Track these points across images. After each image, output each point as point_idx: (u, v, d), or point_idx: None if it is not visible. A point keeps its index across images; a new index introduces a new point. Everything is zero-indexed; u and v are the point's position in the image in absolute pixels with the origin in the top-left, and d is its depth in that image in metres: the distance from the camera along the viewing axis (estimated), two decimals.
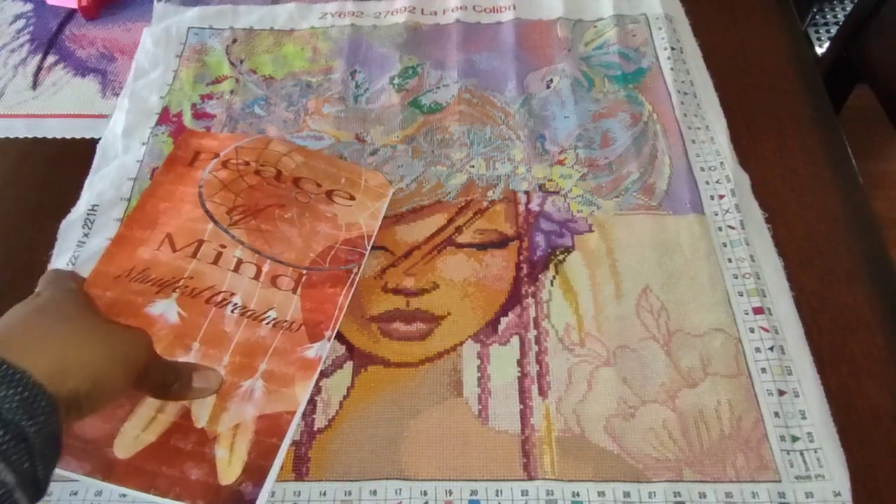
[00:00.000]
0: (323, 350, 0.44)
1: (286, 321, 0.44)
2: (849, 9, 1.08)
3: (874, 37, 0.78)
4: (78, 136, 0.58)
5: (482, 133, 0.56)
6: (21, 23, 0.68)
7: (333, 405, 0.43)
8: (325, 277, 0.46)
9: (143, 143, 0.56)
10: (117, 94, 0.61)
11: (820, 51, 1.01)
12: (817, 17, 1.08)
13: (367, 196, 0.50)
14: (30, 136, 0.58)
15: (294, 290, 0.45)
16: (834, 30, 1.06)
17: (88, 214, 0.52)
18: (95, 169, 0.55)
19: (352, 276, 0.47)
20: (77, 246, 0.50)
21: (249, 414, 0.41)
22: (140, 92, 0.60)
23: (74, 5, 0.68)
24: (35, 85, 0.63)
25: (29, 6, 0.70)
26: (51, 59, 0.65)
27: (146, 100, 0.60)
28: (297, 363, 0.43)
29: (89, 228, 0.51)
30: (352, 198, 0.50)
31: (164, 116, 0.58)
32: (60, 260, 0.49)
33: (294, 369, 0.42)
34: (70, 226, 0.51)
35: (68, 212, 0.52)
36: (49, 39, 0.66)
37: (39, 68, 0.64)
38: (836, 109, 0.55)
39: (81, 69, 0.64)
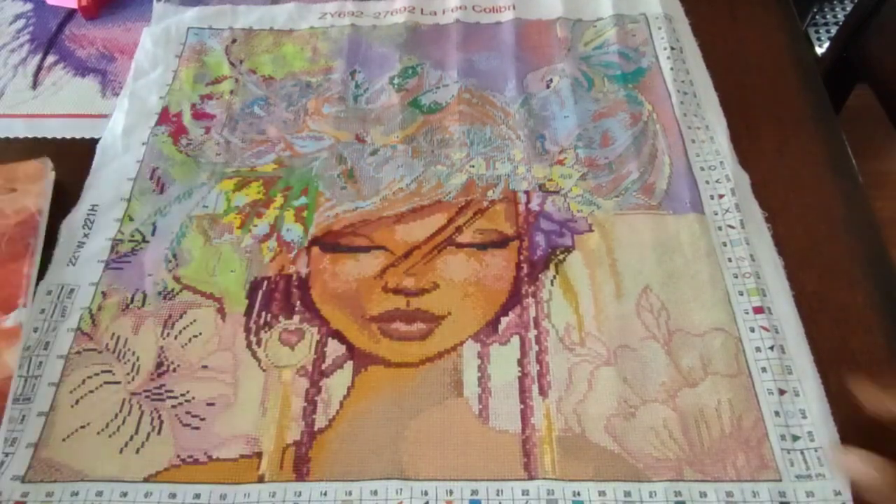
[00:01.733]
0: (21, 317, 0.45)
1: None
2: (849, 9, 1.08)
3: (874, 37, 0.78)
4: (78, 136, 0.58)
5: (482, 133, 0.56)
6: (21, 23, 0.68)
7: (334, 405, 0.43)
8: (2, 260, 0.47)
9: (143, 143, 0.56)
10: (117, 94, 0.61)
11: (820, 51, 1.00)
12: (817, 17, 1.08)
13: (28, 183, 0.52)
14: (30, 136, 0.58)
15: None
16: (834, 30, 1.06)
17: (88, 214, 0.52)
18: (95, 169, 0.55)
19: (31, 247, 0.48)
20: (77, 247, 0.50)
21: None
22: (139, 92, 0.60)
23: (74, 5, 0.67)
24: (35, 85, 0.62)
25: (29, 6, 0.70)
26: (51, 59, 0.65)
27: (146, 100, 0.59)
28: None
29: (89, 229, 0.51)
30: (13, 190, 0.51)
31: (164, 116, 0.58)
32: (61, 260, 0.49)
33: None
34: (71, 226, 0.51)
35: (68, 212, 0.52)
36: (49, 39, 0.66)
37: (39, 68, 0.64)
38: (836, 109, 0.55)
39: (81, 69, 0.64)
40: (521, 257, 0.49)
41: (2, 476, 0.40)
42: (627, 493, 0.39)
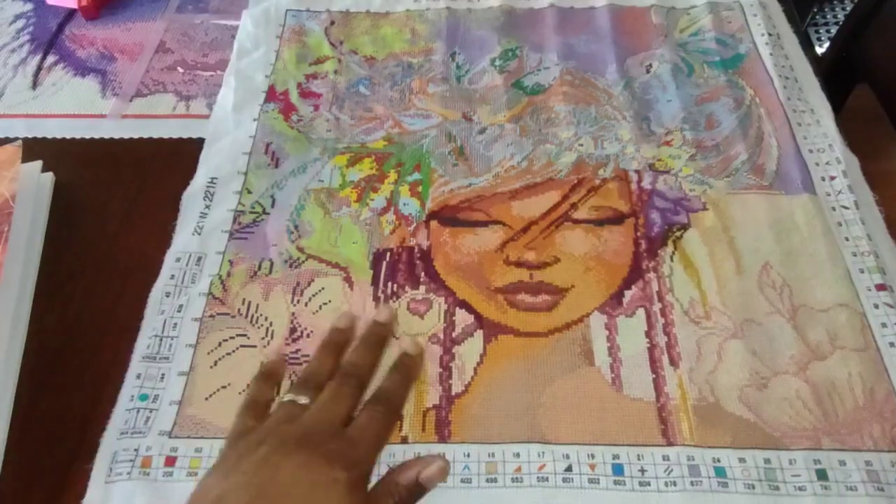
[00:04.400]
0: None
1: None
2: (849, 9, 1.07)
3: (874, 37, 0.78)
4: (78, 136, 0.57)
5: (587, 112, 0.57)
6: (21, 23, 0.68)
7: (468, 371, 0.43)
8: None
9: (255, 120, 0.57)
10: (117, 94, 0.60)
11: (820, 51, 1.00)
12: (817, 17, 1.08)
13: (0, 169, 0.51)
14: (30, 136, 0.57)
15: None
16: (834, 30, 1.05)
17: (208, 187, 0.53)
18: (209, 143, 0.56)
19: (4, 234, 0.47)
20: (200, 217, 0.51)
21: None
22: (245, 71, 0.61)
23: (74, 5, 0.67)
24: (35, 85, 0.62)
25: (29, 6, 0.70)
26: (51, 59, 0.64)
27: (252, 78, 0.61)
28: None
29: (210, 200, 0.52)
30: None
31: (272, 94, 0.59)
32: (185, 229, 0.50)
33: None
34: (191, 197, 0.52)
35: (68, 212, 0.52)
36: (49, 39, 0.66)
37: (39, 68, 0.63)
38: (837, 109, 0.56)
39: (81, 69, 0.63)
40: (638, 234, 0.50)
41: (149, 431, 0.41)
42: (767, 461, 0.39)
